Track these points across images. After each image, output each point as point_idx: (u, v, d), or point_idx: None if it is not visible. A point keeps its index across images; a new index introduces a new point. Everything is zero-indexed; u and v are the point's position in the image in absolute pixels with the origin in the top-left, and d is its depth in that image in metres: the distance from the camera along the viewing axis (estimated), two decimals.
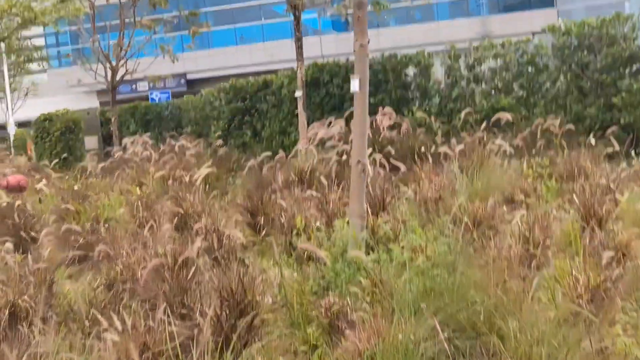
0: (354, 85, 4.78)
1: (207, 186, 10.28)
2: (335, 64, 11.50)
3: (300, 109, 9.95)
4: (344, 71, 11.35)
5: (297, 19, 9.98)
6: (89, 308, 5.20)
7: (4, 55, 27.29)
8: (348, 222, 5.83)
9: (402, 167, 6.78)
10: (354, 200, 4.97)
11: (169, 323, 4.03)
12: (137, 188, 9.91)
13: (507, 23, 21.44)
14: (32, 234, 8.05)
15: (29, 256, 5.69)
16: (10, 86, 31.12)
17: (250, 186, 9.14)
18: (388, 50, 11.61)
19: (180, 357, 3.71)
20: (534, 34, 9.60)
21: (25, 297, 4.82)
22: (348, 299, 4.10)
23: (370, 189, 6.62)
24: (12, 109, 32.80)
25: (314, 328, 3.92)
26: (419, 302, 3.84)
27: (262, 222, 6.53)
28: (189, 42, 15.26)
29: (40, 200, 10.26)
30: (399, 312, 3.61)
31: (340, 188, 7.34)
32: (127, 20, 14.87)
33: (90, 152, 16.97)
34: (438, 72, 10.23)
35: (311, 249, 4.43)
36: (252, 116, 13.13)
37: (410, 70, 10.41)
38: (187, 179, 9.76)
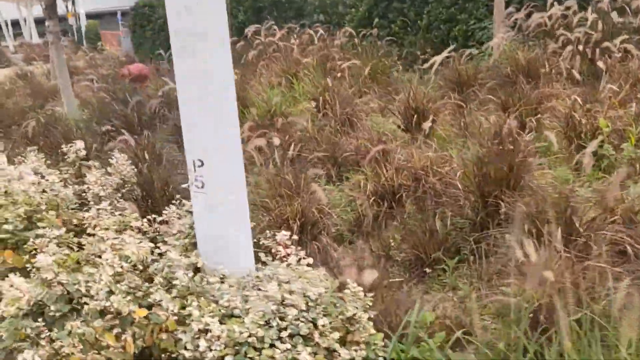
0: None
1: (372, 82, 9.18)
2: None
3: None
4: None
5: None
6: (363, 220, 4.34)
7: None
8: None
9: None
10: None
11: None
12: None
13: None
14: None
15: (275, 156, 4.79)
16: None
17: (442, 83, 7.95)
18: None
19: None
20: None
21: (313, 209, 3.94)
22: None
23: None
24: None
25: None
26: None
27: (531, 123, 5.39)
28: None
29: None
30: None
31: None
32: None
33: None
34: None
35: None
36: (402, 2, 11.64)
37: None
38: (365, 71, 8.66)
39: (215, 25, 2.14)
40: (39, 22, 33.44)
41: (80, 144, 4.76)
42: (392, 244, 3.96)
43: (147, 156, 5.67)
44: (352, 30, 11.15)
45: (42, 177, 3.73)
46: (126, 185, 4.16)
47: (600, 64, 6.84)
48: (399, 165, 4.60)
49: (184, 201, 2.69)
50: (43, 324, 1.95)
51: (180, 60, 2.16)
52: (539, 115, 5.58)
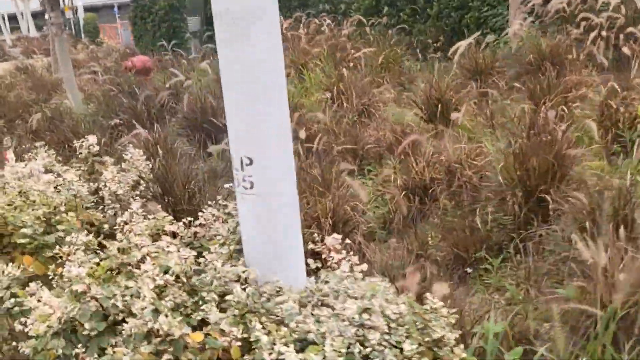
0: None
1: (384, 71, 8.93)
2: None
3: None
4: None
5: None
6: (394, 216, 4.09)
7: None
8: None
9: None
10: None
11: None
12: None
13: None
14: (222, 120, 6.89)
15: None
16: None
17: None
18: None
19: None
20: None
21: (346, 206, 3.70)
22: None
23: None
24: None
25: None
26: None
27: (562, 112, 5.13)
28: None
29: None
30: None
31: None
32: None
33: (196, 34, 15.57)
34: None
35: None
36: None
37: None
38: (379, 60, 8.40)
39: (269, 2, 1.88)
40: (36, 15, 33.02)
41: (92, 138, 4.49)
42: (430, 242, 3.72)
43: (160, 151, 5.41)
44: (362, 18, 10.86)
45: (58, 175, 3.48)
46: (142, 182, 3.90)
47: (625, 49, 6.59)
48: (430, 157, 4.35)
49: (221, 201, 2.44)
50: (83, 349, 1.70)
51: (227, 45, 1.90)
52: (569, 104, 5.33)
